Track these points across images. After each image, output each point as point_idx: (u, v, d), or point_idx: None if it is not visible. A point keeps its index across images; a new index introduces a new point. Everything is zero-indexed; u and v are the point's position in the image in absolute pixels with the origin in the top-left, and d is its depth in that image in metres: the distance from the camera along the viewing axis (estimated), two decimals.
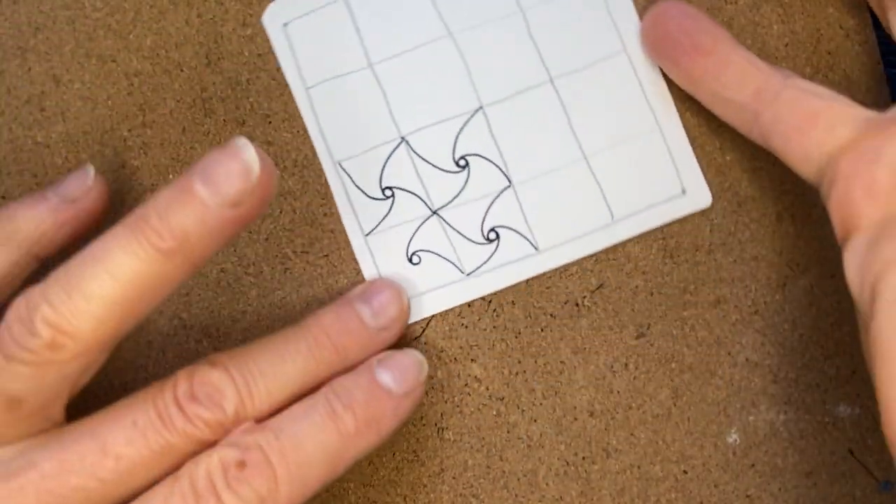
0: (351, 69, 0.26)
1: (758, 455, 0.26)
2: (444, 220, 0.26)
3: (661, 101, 0.26)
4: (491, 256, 0.26)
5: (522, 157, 0.26)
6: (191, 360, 0.26)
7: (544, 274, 0.26)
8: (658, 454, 0.26)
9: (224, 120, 0.27)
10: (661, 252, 0.27)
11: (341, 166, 0.26)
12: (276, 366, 0.22)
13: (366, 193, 0.26)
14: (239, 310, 0.26)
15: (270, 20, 0.27)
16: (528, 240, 0.26)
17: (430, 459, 0.26)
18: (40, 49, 0.27)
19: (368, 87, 0.26)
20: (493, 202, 0.26)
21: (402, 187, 0.26)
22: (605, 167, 0.26)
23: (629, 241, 0.26)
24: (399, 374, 0.23)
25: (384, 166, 0.26)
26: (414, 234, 0.26)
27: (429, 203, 0.26)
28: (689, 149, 0.26)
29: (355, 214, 0.26)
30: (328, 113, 0.26)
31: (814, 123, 0.21)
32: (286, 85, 0.27)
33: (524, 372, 0.26)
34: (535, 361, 0.26)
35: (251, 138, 0.27)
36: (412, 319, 0.26)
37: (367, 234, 0.26)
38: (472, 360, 0.26)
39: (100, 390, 0.26)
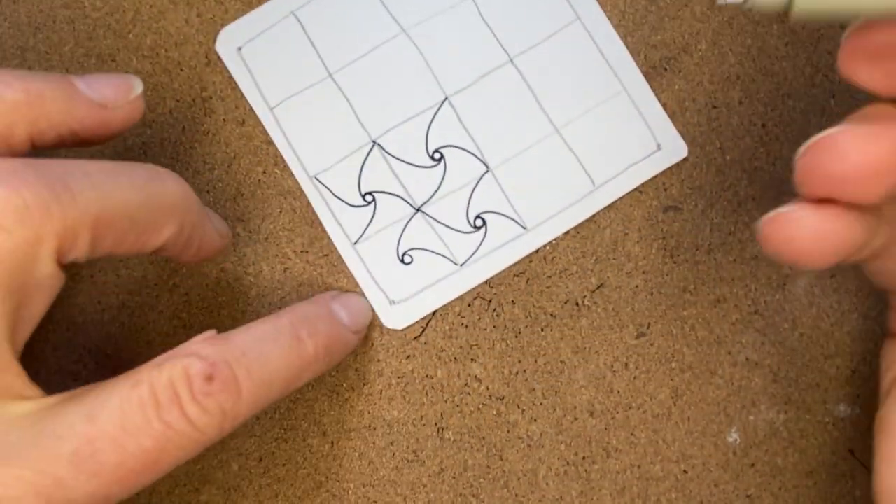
0: (311, 82, 0.26)
1: (758, 455, 0.26)
2: (428, 215, 0.26)
3: (622, 63, 0.26)
4: (481, 243, 0.26)
5: (495, 140, 0.26)
6: None
7: (544, 273, 0.26)
8: (658, 454, 0.26)
9: (224, 120, 0.27)
10: (661, 252, 0.26)
11: (318, 180, 0.26)
12: None
13: (347, 202, 0.26)
14: (239, 310, 0.26)
15: (223, 46, 0.27)
16: (514, 220, 0.26)
17: (430, 459, 0.26)
18: (40, 48, 0.27)
19: (332, 96, 0.26)
20: (474, 189, 0.26)
21: (382, 190, 0.26)
22: (578, 136, 0.26)
23: (629, 239, 0.26)
24: (352, 313, 0.25)
25: (360, 172, 0.26)
26: (401, 235, 0.26)
27: (411, 201, 0.26)
28: (658, 104, 0.26)
29: (340, 225, 0.26)
30: (296, 129, 0.26)
31: None
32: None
33: (524, 371, 0.26)
34: (536, 361, 0.26)
35: (251, 138, 0.27)
36: (414, 319, 0.26)
37: (354, 243, 0.26)
38: (472, 359, 0.26)
39: None
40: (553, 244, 0.26)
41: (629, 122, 0.26)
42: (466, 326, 0.26)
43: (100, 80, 0.21)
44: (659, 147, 0.26)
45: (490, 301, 0.26)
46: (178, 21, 0.27)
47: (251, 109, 0.27)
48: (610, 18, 0.27)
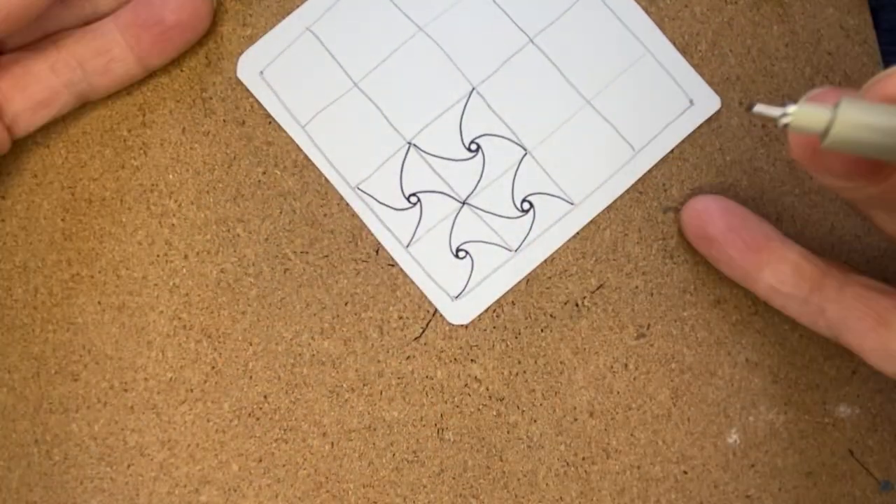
0: (338, 94, 0.26)
1: (758, 455, 0.26)
2: (475, 207, 0.26)
3: (641, 25, 0.26)
4: (532, 226, 0.26)
5: (529, 122, 0.26)
6: (190, 361, 0.26)
7: (544, 274, 0.26)
8: (658, 454, 0.26)
9: (224, 120, 0.27)
10: (661, 252, 0.26)
11: (361, 189, 0.26)
12: None
13: (392, 207, 0.26)
14: (239, 310, 0.26)
15: (245, 72, 0.27)
16: (561, 198, 0.26)
17: (429, 460, 0.26)
18: None
19: (360, 105, 0.26)
20: (515, 174, 0.26)
21: (425, 189, 0.26)
22: (610, 105, 0.26)
23: (629, 240, 0.26)
24: None
25: (401, 175, 0.26)
26: (452, 230, 0.26)
27: (455, 196, 0.26)
28: (684, 61, 0.26)
29: (390, 231, 0.26)
30: (331, 143, 0.26)
31: (888, 323, 0.22)
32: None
33: (524, 372, 0.26)
34: (535, 362, 0.26)
35: (251, 138, 0.27)
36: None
37: (407, 246, 0.26)
38: (472, 360, 0.26)
39: (100, 390, 0.26)
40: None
41: (658, 83, 0.26)
42: (466, 327, 0.26)
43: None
44: (692, 102, 0.26)
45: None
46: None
47: (251, 110, 0.27)
48: None
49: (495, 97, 0.26)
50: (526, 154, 0.26)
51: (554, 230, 0.26)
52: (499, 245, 0.26)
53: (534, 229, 0.26)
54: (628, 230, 0.27)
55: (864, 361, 0.22)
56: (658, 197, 0.27)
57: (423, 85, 0.26)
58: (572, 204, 0.26)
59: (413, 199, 0.26)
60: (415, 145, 0.26)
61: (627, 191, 0.26)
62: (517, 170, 0.26)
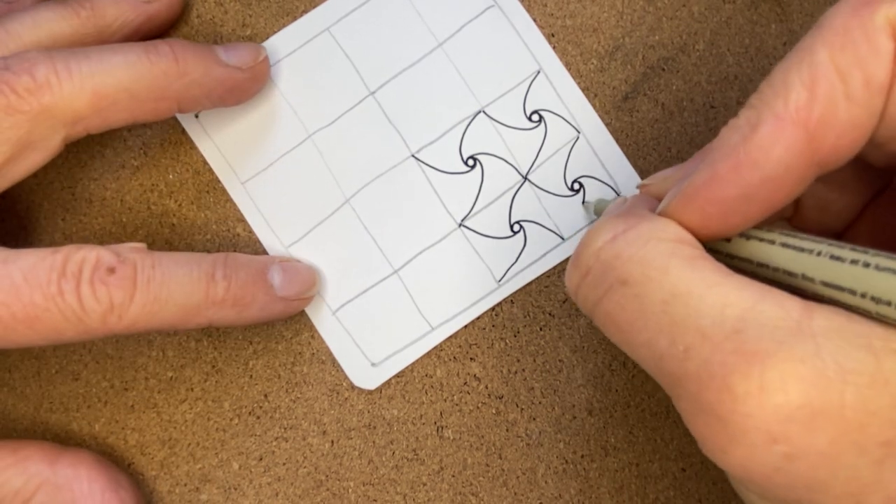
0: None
1: None
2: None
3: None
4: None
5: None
6: (191, 360, 0.26)
7: (543, 274, 0.26)
8: (656, 452, 0.26)
9: None
10: None
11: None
12: (105, 54, 0.22)
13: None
14: None
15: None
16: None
17: (429, 458, 0.26)
18: None
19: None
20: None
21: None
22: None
23: None
24: (289, 281, 0.24)
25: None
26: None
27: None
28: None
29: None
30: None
31: None
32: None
33: (523, 371, 0.26)
34: (534, 360, 0.26)
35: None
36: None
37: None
38: (471, 358, 0.26)
39: (101, 389, 0.26)
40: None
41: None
42: (465, 326, 0.26)
43: (236, 47, 0.25)
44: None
45: None
46: (178, 22, 0.27)
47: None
48: (607, 20, 0.27)
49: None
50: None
51: (537, 264, 0.26)
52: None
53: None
54: None
55: None
56: None
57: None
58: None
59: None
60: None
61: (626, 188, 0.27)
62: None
